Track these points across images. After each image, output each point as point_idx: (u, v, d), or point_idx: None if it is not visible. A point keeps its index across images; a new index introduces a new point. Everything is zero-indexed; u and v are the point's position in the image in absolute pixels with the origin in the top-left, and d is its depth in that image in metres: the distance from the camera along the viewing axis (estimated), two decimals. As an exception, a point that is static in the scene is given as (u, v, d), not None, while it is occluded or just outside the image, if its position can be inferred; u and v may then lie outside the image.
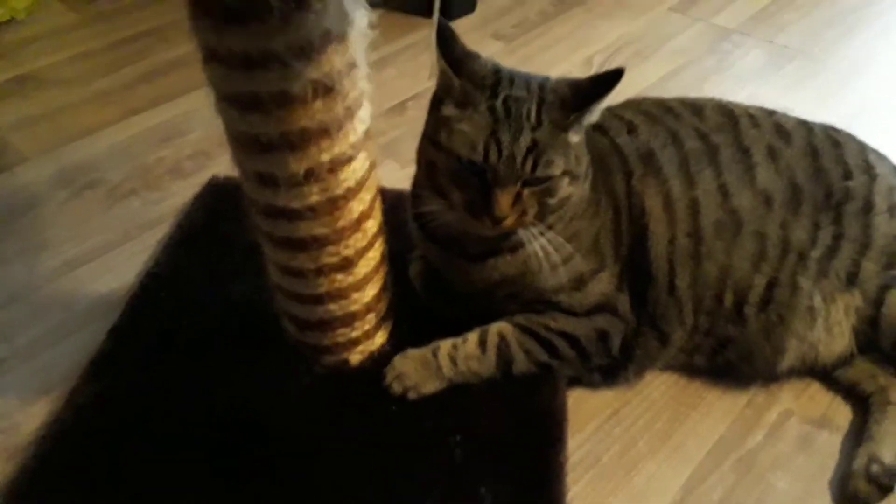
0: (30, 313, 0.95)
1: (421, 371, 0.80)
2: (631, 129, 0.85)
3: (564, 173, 0.72)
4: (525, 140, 0.69)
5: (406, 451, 0.76)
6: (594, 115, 0.73)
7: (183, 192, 1.13)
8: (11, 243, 1.05)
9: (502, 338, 0.81)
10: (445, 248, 0.82)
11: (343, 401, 0.81)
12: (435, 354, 0.81)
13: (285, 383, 0.82)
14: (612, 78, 0.70)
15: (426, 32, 1.50)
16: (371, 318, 0.84)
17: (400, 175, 1.15)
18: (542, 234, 0.75)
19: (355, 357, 0.85)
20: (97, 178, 1.17)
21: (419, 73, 1.38)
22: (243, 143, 0.67)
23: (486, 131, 0.69)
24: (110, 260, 1.03)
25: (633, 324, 0.81)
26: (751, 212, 0.80)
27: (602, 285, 0.80)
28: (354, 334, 0.84)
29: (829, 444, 0.80)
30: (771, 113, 0.89)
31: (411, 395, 0.80)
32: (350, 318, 0.82)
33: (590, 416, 0.82)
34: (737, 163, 0.82)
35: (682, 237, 0.80)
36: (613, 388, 0.84)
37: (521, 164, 0.70)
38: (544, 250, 0.75)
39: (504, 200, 0.70)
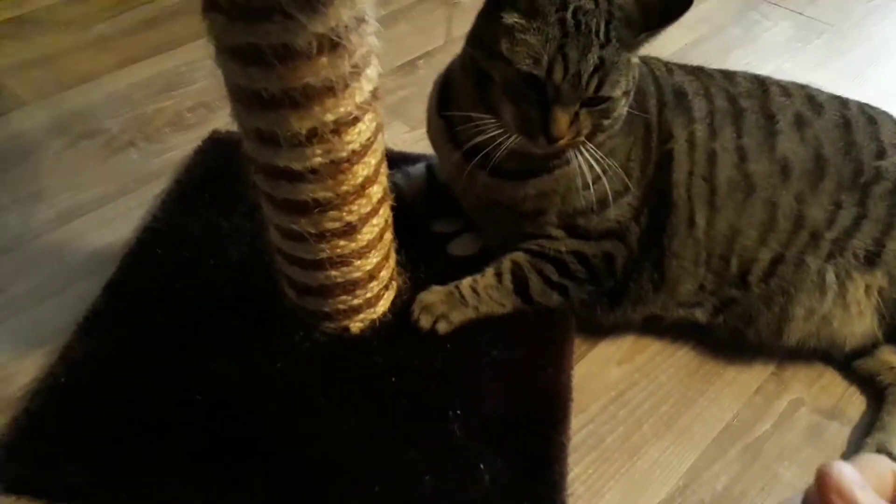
0: (23, 264, 0.92)
1: (447, 301, 0.81)
2: (669, 70, 0.85)
3: (624, 94, 0.70)
4: (593, 58, 0.66)
5: (405, 423, 0.74)
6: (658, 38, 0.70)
7: (183, 146, 1.09)
8: (5, 192, 1.01)
9: (515, 263, 0.82)
10: (468, 157, 0.78)
11: (342, 369, 0.79)
12: (457, 287, 0.82)
13: (283, 348, 0.80)
14: (684, 2, 0.67)
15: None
16: (373, 286, 0.81)
17: (407, 138, 1.11)
18: (586, 151, 0.73)
19: (356, 325, 0.83)
20: (95, 127, 1.13)
21: (433, 30, 1.33)
22: (243, 99, 0.63)
23: (554, 45, 0.66)
24: (106, 213, 1.00)
25: (634, 255, 0.81)
26: (765, 179, 0.78)
27: (621, 210, 0.79)
28: (356, 302, 0.81)
29: (839, 436, 0.78)
30: (803, 86, 0.86)
31: (442, 327, 0.80)
32: (352, 286, 0.79)
33: (594, 396, 0.80)
34: (759, 128, 0.80)
35: (699, 178, 0.79)
36: (616, 319, 0.83)
37: (586, 84, 0.67)
38: (585, 169, 0.73)
39: (563, 120, 0.68)
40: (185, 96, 1.19)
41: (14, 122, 1.12)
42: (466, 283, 0.82)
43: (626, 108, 0.73)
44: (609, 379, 0.81)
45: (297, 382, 0.78)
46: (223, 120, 1.13)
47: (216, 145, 1.06)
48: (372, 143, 0.70)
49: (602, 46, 0.67)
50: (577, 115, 0.69)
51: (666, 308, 0.83)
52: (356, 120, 0.66)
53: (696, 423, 0.78)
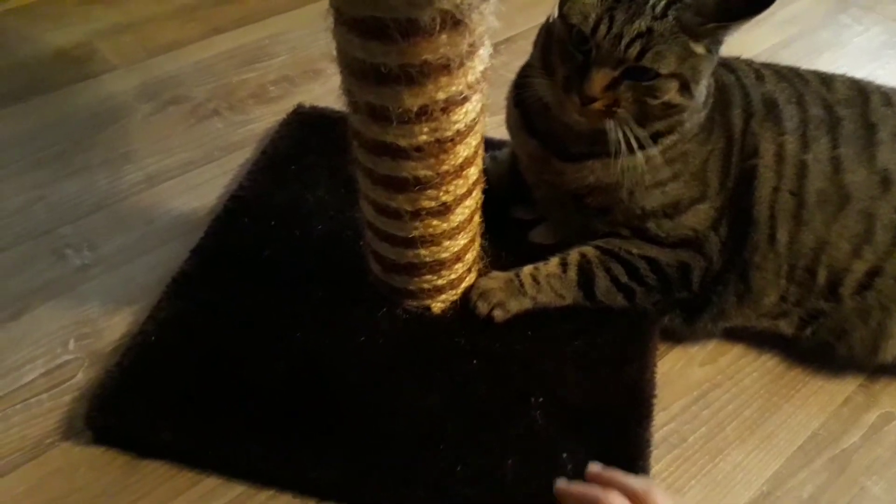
0: (113, 224, 0.95)
1: (505, 289, 0.80)
2: (759, 77, 0.82)
3: (674, 76, 0.69)
4: (639, 24, 0.66)
5: (487, 406, 0.74)
6: (733, 32, 0.69)
7: (266, 118, 1.10)
8: (97, 152, 1.04)
9: (583, 256, 0.81)
10: (543, 144, 0.79)
11: (425, 348, 0.79)
12: (517, 274, 0.81)
13: (366, 323, 0.80)
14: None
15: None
16: (458, 268, 0.81)
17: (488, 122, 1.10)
18: (641, 147, 0.72)
19: (438, 305, 0.83)
20: (181, 94, 1.15)
21: (513, 17, 1.32)
22: (358, 72, 0.63)
23: (605, 6, 0.67)
24: (192, 179, 1.02)
25: (716, 267, 0.79)
26: (862, 190, 0.76)
27: (697, 218, 0.78)
28: (440, 282, 0.81)
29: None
30: None
31: (498, 315, 0.80)
32: (438, 266, 0.79)
33: (676, 395, 0.79)
34: (858, 138, 0.77)
35: (786, 192, 0.77)
36: (693, 333, 0.82)
37: (626, 47, 0.66)
38: (643, 165, 0.73)
39: (598, 79, 0.68)
40: (268, 69, 1.20)
41: (105, 84, 1.15)
42: (527, 270, 0.81)
43: (683, 99, 0.70)
44: (692, 378, 0.80)
45: (380, 357, 0.78)
46: (305, 95, 1.14)
47: (300, 120, 1.07)
48: (475, 124, 0.70)
49: (654, 18, 0.66)
50: (617, 83, 0.68)
51: (748, 320, 0.81)
52: (465, 100, 0.66)
53: (780, 429, 0.76)
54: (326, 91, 1.15)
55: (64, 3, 1.30)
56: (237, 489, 0.70)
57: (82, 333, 0.82)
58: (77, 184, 1.00)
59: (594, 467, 0.66)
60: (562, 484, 0.65)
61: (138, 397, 0.74)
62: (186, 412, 0.73)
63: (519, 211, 0.95)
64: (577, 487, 0.63)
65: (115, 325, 0.83)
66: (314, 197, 0.94)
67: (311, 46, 1.24)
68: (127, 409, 0.73)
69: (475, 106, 0.69)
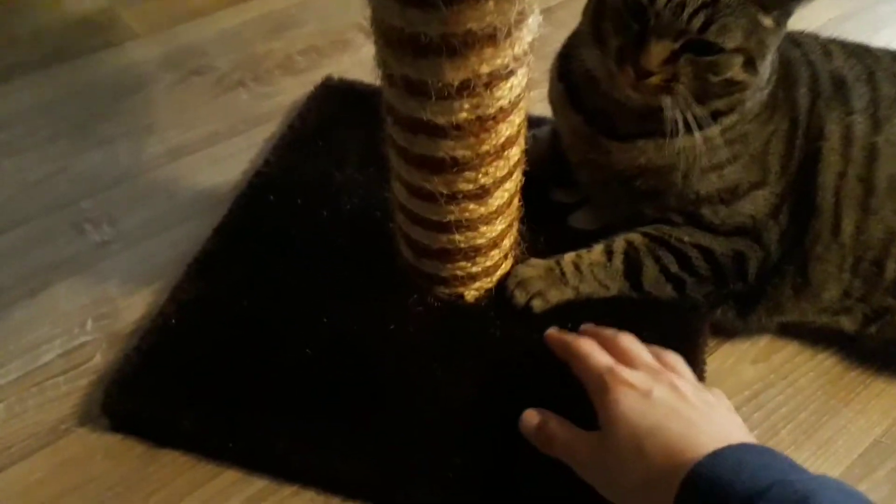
0: (133, 198, 0.91)
1: (545, 278, 0.76)
2: (826, 53, 0.75)
3: (738, 51, 0.63)
4: None
5: (526, 400, 0.69)
6: (805, 4, 0.64)
7: (293, 90, 1.06)
8: (118, 124, 1.00)
9: (630, 243, 0.75)
10: (590, 121, 0.74)
11: (458, 338, 0.75)
12: (558, 262, 0.76)
13: (397, 309, 0.76)
14: None
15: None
16: (494, 255, 0.76)
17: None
18: (699, 127, 0.66)
19: (471, 293, 0.78)
20: (205, 64, 1.10)
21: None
22: (396, 43, 0.58)
23: None
24: (216, 153, 0.97)
25: (774, 258, 0.73)
26: None
27: (755, 205, 0.72)
28: (474, 269, 0.76)
29: None
30: None
31: (537, 306, 0.75)
32: (473, 252, 0.74)
33: (727, 394, 0.73)
34: None
35: (853, 178, 0.71)
36: (746, 327, 0.77)
37: (689, 18, 0.60)
38: (700, 146, 0.67)
39: (656, 51, 0.62)
40: (296, 39, 1.15)
41: (128, 52, 1.11)
42: (569, 258, 0.76)
43: (746, 76, 0.65)
44: (743, 377, 0.75)
45: (412, 346, 0.74)
46: (334, 66, 1.09)
47: (329, 92, 1.02)
48: (520, 100, 0.65)
49: None
50: (676, 56, 0.62)
51: (806, 315, 0.75)
52: (510, 74, 0.61)
53: (839, 435, 0.71)
54: (356, 62, 1.10)
55: (86, -33, 1.26)
56: (259, 484, 0.67)
57: (101, 313, 0.79)
58: (98, 156, 0.96)
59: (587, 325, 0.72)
60: (553, 330, 0.71)
61: (157, 383, 0.70)
62: (207, 400, 0.69)
63: (559, 194, 0.89)
64: (562, 334, 0.70)
65: (135, 305, 0.79)
66: (343, 174, 0.89)
67: (340, 15, 1.18)
68: (145, 395, 0.69)
69: (521, 80, 0.63)
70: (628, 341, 0.66)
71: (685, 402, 0.58)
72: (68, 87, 1.05)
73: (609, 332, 0.68)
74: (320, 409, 0.69)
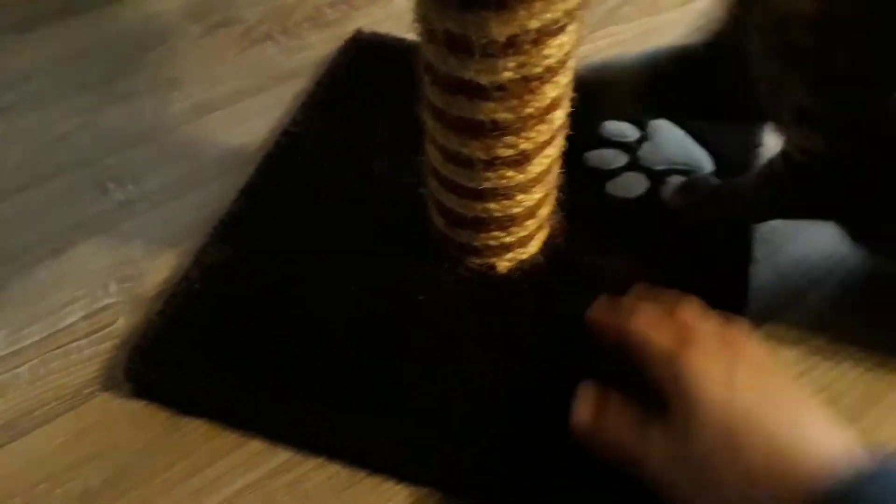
0: (158, 157, 0.88)
1: None
2: None
3: None
4: None
5: (560, 380, 0.66)
6: None
7: (322, 45, 1.01)
8: (141, 78, 0.97)
9: None
10: None
11: (490, 311, 0.72)
12: None
13: (427, 279, 0.73)
14: None
15: None
16: (530, 224, 0.73)
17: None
18: None
19: (503, 264, 0.75)
20: (232, 15, 1.06)
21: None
22: (438, -6, 0.54)
23: None
24: (242, 110, 0.94)
25: None
26: None
27: None
28: (508, 239, 0.73)
29: None
30: None
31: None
32: (508, 221, 0.71)
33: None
34: None
35: None
36: None
37: None
38: None
39: None
40: (326, -11, 1.10)
41: (151, 2, 1.07)
42: None
43: None
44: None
45: (442, 319, 0.71)
46: (366, 19, 1.04)
47: (359, 47, 0.97)
48: (568, 59, 0.60)
49: None
50: None
51: None
52: (562, 29, 0.56)
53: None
54: (389, 15, 1.05)
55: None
56: (283, 455, 0.65)
57: (124, 276, 0.77)
58: (122, 111, 0.93)
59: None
60: (595, 311, 0.61)
61: (181, 350, 0.68)
62: (232, 369, 0.67)
63: (594, 159, 0.85)
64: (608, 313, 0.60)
65: (159, 268, 0.77)
66: (373, 135, 0.85)
67: (373, -36, 1.13)
68: (168, 362, 0.67)
69: (571, 38, 0.58)
70: (693, 310, 0.56)
71: (774, 389, 0.48)
72: (90, 39, 1.01)
73: (668, 296, 0.58)
74: (347, 382, 0.67)
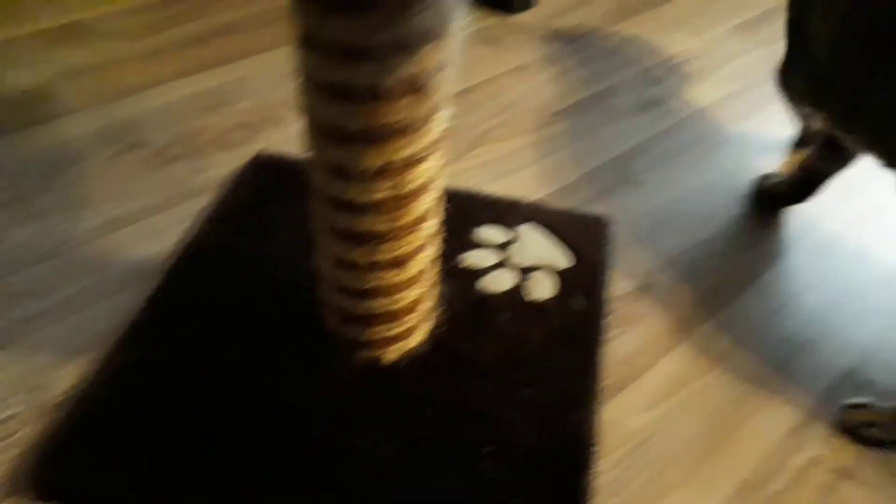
0: (66, 270, 0.94)
1: None
2: None
3: None
4: None
5: (436, 458, 0.75)
6: None
7: (227, 164, 1.11)
8: (53, 197, 1.03)
9: None
10: None
11: (378, 399, 0.80)
12: None
13: (321, 374, 0.81)
14: None
15: (484, 25, 1.47)
16: (411, 319, 0.83)
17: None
18: None
19: (390, 355, 0.84)
20: (142, 138, 1.15)
21: (469, 67, 1.36)
22: (324, 132, 0.65)
23: None
24: (151, 225, 1.01)
25: None
26: None
27: None
28: (393, 332, 0.82)
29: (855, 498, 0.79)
30: None
31: None
32: (392, 316, 0.81)
33: (619, 442, 0.81)
34: None
35: None
36: None
37: None
38: None
39: None
40: (230, 115, 1.21)
41: (64, 127, 1.14)
42: None
43: None
44: (631, 427, 0.83)
45: (336, 409, 0.79)
46: (266, 141, 1.16)
47: (260, 167, 1.08)
48: (434, 179, 0.73)
49: None
50: None
51: None
52: (424, 158, 0.68)
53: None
54: (287, 138, 1.17)
55: (26, 43, 1.30)
56: (188, 545, 0.69)
57: (32, 385, 0.80)
58: (33, 228, 0.99)
59: None
60: None
61: (88, 451, 0.72)
62: (139, 467, 0.72)
63: (469, 259, 0.97)
64: None
65: (67, 376, 0.81)
66: (272, 246, 0.95)
67: (272, 92, 1.26)
68: (76, 464, 0.71)
69: (434, 163, 0.71)
70: None
71: None
72: (5, 161, 1.07)
73: None
74: (248, 473, 0.72)
